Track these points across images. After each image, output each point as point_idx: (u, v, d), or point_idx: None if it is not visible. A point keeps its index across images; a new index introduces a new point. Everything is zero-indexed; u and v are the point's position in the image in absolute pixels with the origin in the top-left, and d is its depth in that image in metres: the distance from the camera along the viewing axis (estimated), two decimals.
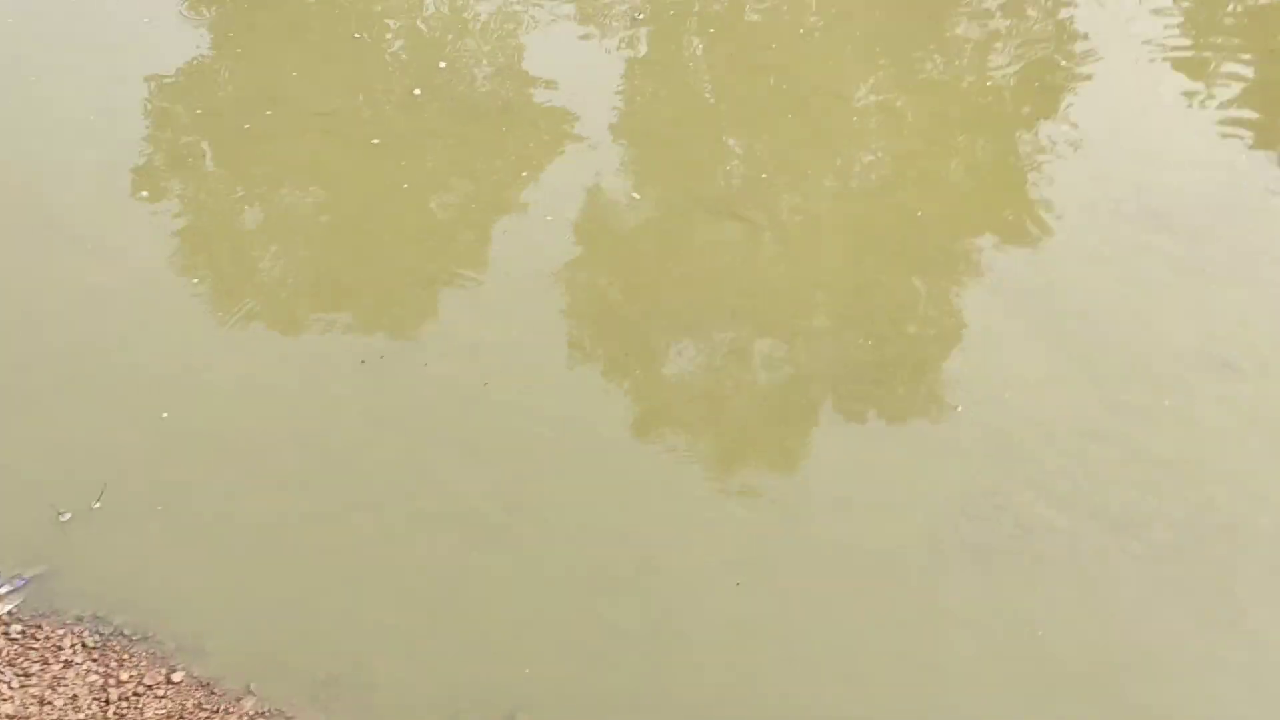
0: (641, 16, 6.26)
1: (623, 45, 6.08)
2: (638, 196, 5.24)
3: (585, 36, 6.14)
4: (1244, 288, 4.84)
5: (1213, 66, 6.06)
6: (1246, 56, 6.11)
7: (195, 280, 4.76)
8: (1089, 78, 5.95)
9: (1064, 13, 6.41)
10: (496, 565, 3.89)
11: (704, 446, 4.31)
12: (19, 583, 3.78)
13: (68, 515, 3.94)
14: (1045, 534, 3.97)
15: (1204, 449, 4.25)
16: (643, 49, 6.09)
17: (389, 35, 6.07)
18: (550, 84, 5.78)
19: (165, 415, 4.25)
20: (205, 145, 5.36)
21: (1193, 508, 4.07)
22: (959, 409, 4.37)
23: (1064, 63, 6.07)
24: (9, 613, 3.73)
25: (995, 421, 4.32)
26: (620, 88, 5.84)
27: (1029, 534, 3.97)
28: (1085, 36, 6.21)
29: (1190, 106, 5.80)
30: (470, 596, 3.82)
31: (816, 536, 3.99)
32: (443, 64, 5.84)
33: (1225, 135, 5.61)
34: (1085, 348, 4.59)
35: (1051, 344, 4.61)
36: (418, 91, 5.64)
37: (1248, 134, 5.62)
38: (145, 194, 5.10)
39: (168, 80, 5.68)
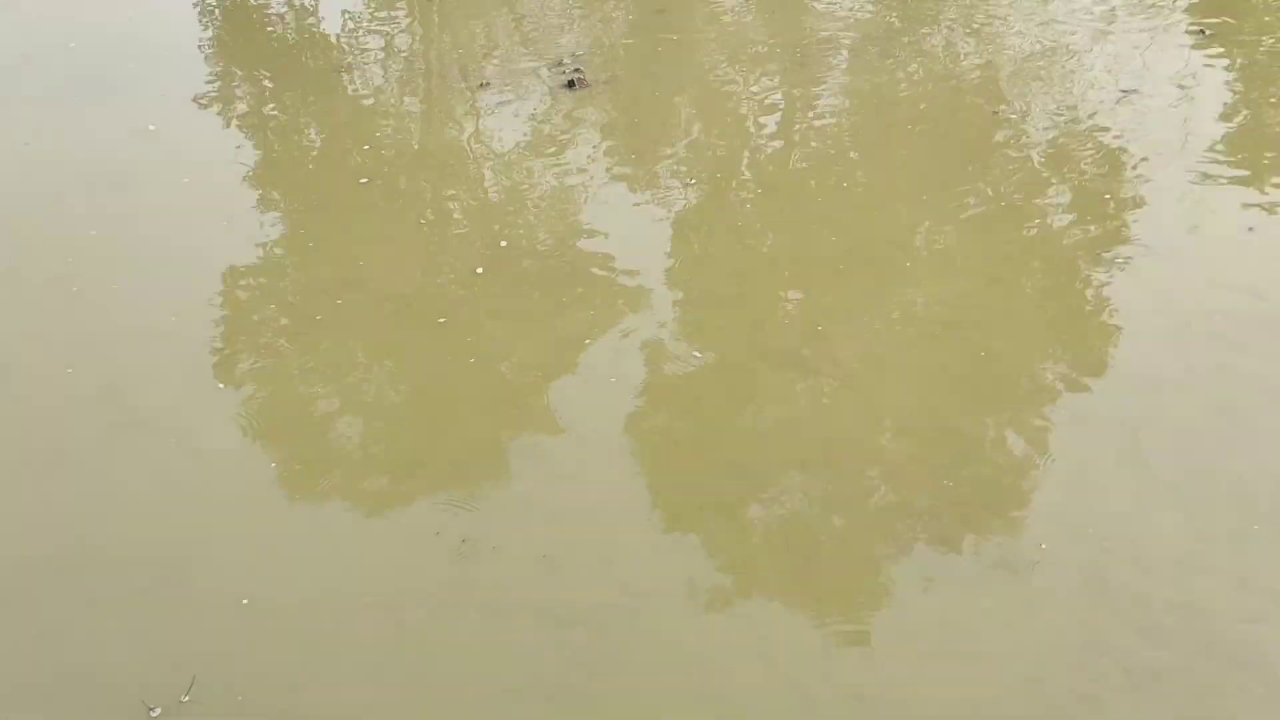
0: (691, 181, 6.46)
1: (676, 208, 6.25)
2: (699, 355, 5.29)
3: (639, 203, 6.33)
4: None
5: (1266, 184, 6.05)
6: None
7: (272, 464, 4.86)
8: (1142, 202, 5.97)
9: (1109, 138, 6.49)
10: None
11: (785, 606, 4.20)
12: None
13: (157, 710, 3.93)
14: (1158, 675, 3.76)
15: None
16: (695, 210, 6.25)
17: (452, 217, 6.31)
18: (608, 252, 5.95)
19: (245, 601, 4.27)
20: (279, 338, 5.55)
21: None
22: (1044, 546, 4.24)
23: (1116, 189, 6.11)
24: None
25: (1088, 559, 4.18)
26: (676, 249, 5.98)
27: (1140, 677, 3.77)
28: (1134, 161, 6.26)
29: (1248, 227, 5.76)
30: None
31: (916, 695, 3.83)
32: (504, 243, 6.04)
33: None
34: (1174, 476, 4.46)
35: (1138, 475, 4.49)
36: (480, 269, 5.83)
37: None
38: (222, 386, 5.26)
39: (242, 277, 5.93)
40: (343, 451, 4.93)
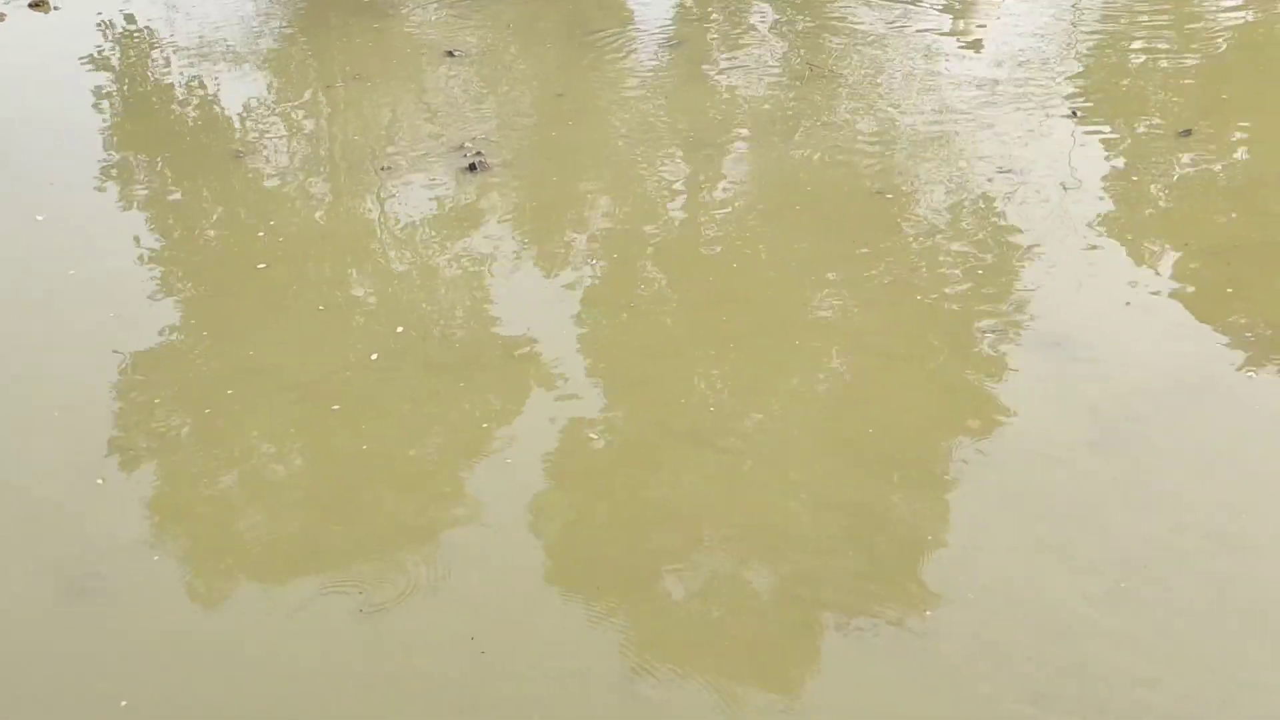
0: (592, 261, 6.51)
1: (577, 289, 6.28)
2: (594, 437, 5.27)
3: (540, 285, 6.37)
4: (1226, 470, 4.85)
5: (1149, 256, 6.32)
6: (1181, 245, 6.39)
7: (156, 558, 4.69)
8: (1027, 279, 6.17)
9: (994, 217, 6.72)
10: None
11: (698, 682, 4.16)
12: None
13: None
14: None
15: (1196, 634, 4.15)
16: (596, 291, 6.29)
17: (350, 303, 6.25)
18: (509, 334, 5.95)
19: (124, 704, 4.08)
20: (169, 429, 5.41)
21: (1184, 700, 3.93)
22: (928, 614, 4.29)
23: (1001, 266, 6.31)
24: None
25: (983, 626, 4.23)
26: (577, 329, 5.99)
27: None
28: (1017, 239, 6.49)
29: (1133, 298, 5.99)
30: None
31: None
32: (400, 328, 5.99)
33: (1171, 321, 5.79)
34: (1065, 542, 4.55)
35: (1025, 541, 4.57)
36: (375, 356, 5.77)
37: (1191, 319, 5.80)
38: (101, 481, 5.10)
39: (133, 368, 5.79)
40: (236, 544, 4.78)
